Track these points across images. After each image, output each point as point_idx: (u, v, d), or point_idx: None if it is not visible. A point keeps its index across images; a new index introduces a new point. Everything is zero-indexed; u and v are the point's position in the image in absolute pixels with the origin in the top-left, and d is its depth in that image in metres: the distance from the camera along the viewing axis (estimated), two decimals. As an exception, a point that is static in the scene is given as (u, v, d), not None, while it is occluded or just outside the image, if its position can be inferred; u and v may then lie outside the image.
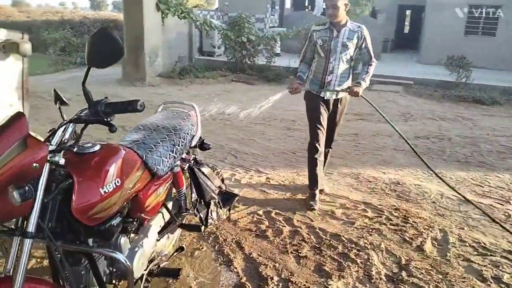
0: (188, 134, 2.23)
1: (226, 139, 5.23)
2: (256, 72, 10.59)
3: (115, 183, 1.50)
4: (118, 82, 9.35)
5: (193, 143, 2.33)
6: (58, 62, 13.68)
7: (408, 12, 20.78)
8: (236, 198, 2.62)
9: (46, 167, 1.30)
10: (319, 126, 3.31)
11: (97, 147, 1.55)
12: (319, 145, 3.33)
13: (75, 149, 1.50)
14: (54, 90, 1.71)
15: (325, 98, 3.30)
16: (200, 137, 2.48)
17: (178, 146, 2.10)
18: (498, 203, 3.54)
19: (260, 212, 3.20)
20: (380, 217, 3.21)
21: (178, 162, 2.27)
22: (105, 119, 1.39)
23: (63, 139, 1.38)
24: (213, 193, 2.39)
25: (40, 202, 1.28)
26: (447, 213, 3.32)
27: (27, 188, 1.23)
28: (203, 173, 2.39)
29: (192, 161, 2.41)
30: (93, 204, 1.42)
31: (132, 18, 9.22)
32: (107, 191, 1.46)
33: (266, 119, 6.35)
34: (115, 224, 1.58)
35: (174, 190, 2.28)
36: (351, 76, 3.35)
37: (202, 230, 2.17)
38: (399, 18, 19.13)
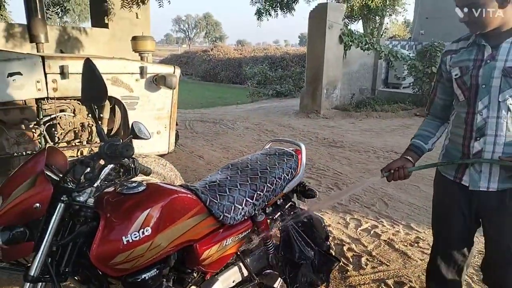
0: (280, 178, 1.92)
1: (383, 181, 4.56)
2: (446, 106, 9.24)
3: (143, 232, 1.33)
4: (295, 113, 9.63)
5: (287, 189, 1.99)
6: (254, 93, 15.20)
7: None
8: (337, 265, 2.11)
9: (60, 208, 1.23)
10: (441, 242, 1.88)
11: (141, 188, 1.43)
12: (438, 275, 1.87)
13: (119, 189, 1.42)
14: (131, 125, 1.68)
15: (468, 187, 1.66)
16: (302, 183, 2.13)
17: (262, 192, 1.82)
18: None
19: (390, 282, 2.55)
20: None
21: (270, 209, 1.99)
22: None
23: (82, 178, 1.30)
24: (306, 253, 1.98)
25: (47, 244, 1.21)
26: None
27: (21, 229, 1.17)
28: (298, 226, 2.02)
29: (289, 209, 2.08)
30: (112, 253, 1.28)
31: (314, 50, 9.40)
32: (130, 240, 1.30)
33: (442, 162, 5.33)
34: (148, 278, 1.40)
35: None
36: None
37: (282, 298, 1.80)
38: None
